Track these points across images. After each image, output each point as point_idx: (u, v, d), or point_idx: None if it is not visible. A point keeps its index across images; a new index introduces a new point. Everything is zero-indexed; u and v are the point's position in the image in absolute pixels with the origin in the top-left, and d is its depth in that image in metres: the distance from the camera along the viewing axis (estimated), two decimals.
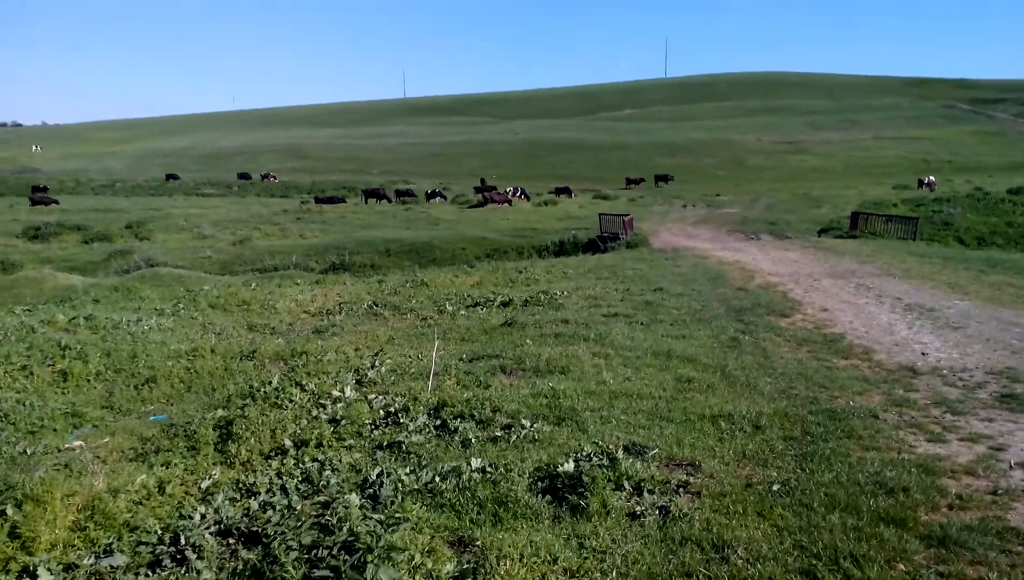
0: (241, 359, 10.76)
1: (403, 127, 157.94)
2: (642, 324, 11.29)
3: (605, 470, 4.94)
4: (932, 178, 57.01)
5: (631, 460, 5.23)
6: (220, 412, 7.64)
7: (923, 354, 9.54)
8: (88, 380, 9.73)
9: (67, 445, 7.60)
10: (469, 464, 5.14)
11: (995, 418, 6.75)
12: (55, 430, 8.04)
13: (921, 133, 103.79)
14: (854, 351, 9.61)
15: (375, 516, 4.16)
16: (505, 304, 14.26)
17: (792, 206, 48.56)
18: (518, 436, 6.06)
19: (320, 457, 6.13)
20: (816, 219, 40.83)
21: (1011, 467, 5.53)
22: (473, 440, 6.06)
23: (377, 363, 9.23)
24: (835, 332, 10.84)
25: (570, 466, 4.91)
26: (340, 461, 5.94)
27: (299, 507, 4.76)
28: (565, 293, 15.12)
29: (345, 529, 3.95)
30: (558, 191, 65.22)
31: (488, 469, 5.11)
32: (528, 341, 10.28)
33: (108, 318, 13.01)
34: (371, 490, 4.88)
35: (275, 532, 4.18)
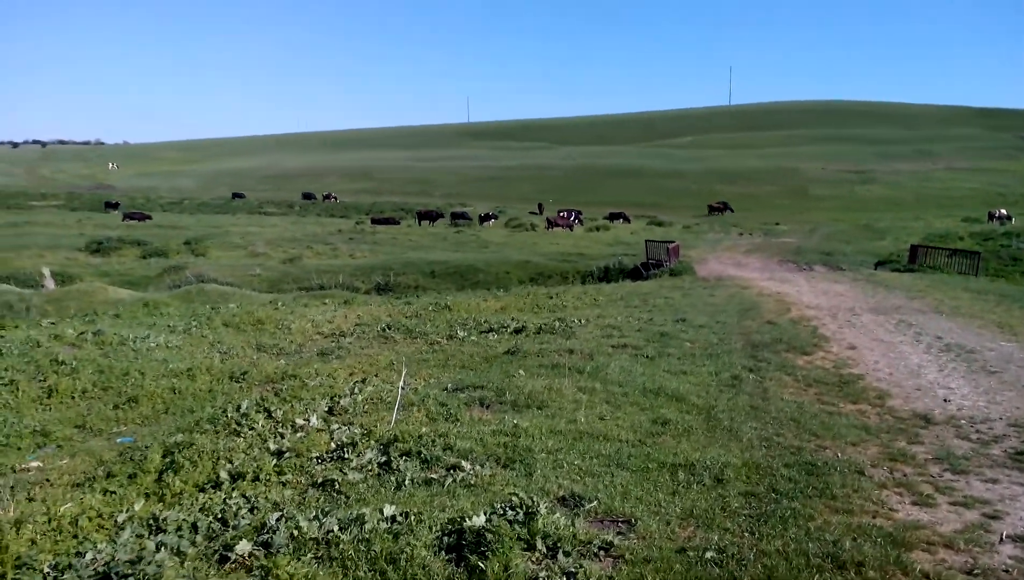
0: (231, 380, 10.57)
1: (465, 151, 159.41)
2: (647, 357, 10.70)
3: (518, 526, 4.43)
4: (1004, 211, 54.42)
5: (557, 515, 4.70)
6: (179, 437, 7.40)
7: (945, 401, 8.73)
8: (73, 397, 9.65)
9: (23, 465, 7.45)
10: (381, 511, 4.71)
11: (1001, 479, 5.99)
12: (19, 449, 7.91)
13: (996, 165, 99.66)
14: (867, 395, 8.85)
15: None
16: (518, 331, 13.82)
17: (852, 237, 46.90)
18: (455, 479, 5.59)
19: (251, 493, 5.78)
20: (875, 251, 39.24)
21: (1001, 540, 4.82)
22: (407, 482, 5.62)
23: (356, 390, 8.89)
24: (854, 373, 10.07)
25: (479, 520, 4.42)
26: (267, 498, 5.58)
27: (188, 552, 4.41)
28: (583, 321, 14.60)
29: None
30: (612, 216, 64.70)
31: (399, 518, 4.66)
32: (521, 371, 9.82)
33: (117, 334, 13.02)
34: (266, 536, 4.49)
35: None
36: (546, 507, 4.72)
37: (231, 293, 27.38)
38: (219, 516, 5.24)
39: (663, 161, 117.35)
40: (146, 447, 7.34)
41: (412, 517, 4.69)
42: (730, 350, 11.30)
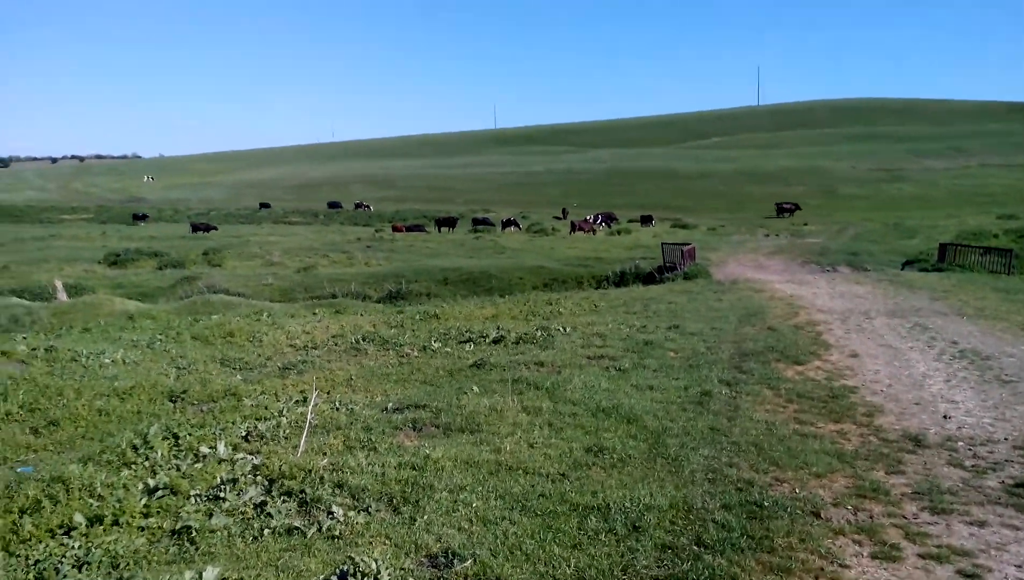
0: (169, 400, 9.83)
1: (490, 157, 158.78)
2: (620, 370, 9.73)
3: None
4: None
5: None
6: (72, 467, 6.64)
7: (944, 417, 7.66)
8: None
9: None
10: (200, 576, 3.87)
11: (990, 521, 4.95)
12: None
13: None
14: (855, 412, 7.80)
15: None
16: (497, 341, 12.95)
17: (881, 236, 45.23)
18: (320, 529, 4.74)
19: (101, 540, 4.97)
20: (904, 250, 37.68)
21: None
22: (268, 531, 4.78)
23: (285, 412, 8.07)
24: (847, 385, 9.01)
25: None
26: (108, 550, 4.76)
27: None
28: (569, 329, 13.68)
29: None
30: (643, 220, 63.71)
31: None
32: (475, 387, 8.92)
33: (70, 350, 12.39)
34: None
35: None
36: (393, 573, 3.82)
37: (236, 303, 26.87)
38: (38, 575, 4.44)
39: (691, 163, 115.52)
40: (32, 479, 6.59)
41: None
42: (714, 361, 10.27)
